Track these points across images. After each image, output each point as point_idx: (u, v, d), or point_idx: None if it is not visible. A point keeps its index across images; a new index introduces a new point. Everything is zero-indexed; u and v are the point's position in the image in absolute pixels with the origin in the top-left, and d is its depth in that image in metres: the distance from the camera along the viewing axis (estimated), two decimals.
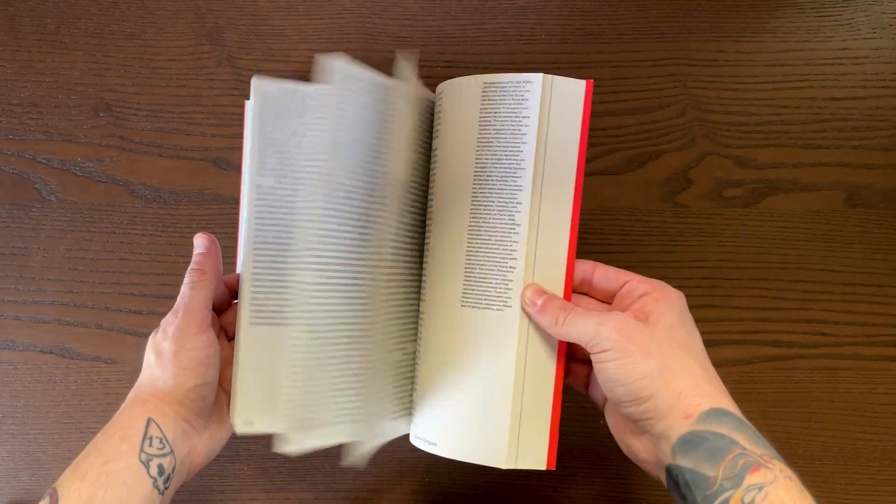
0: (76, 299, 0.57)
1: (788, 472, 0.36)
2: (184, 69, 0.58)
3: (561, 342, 0.45)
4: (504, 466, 0.44)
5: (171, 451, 0.42)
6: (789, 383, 0.57)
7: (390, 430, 0.47)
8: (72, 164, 0.57)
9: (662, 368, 0.40)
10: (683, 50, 0.58)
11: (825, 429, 0.57)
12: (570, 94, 0.44)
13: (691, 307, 0.56)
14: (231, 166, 0.57)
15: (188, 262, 0.57)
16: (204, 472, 0.56)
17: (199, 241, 0.47)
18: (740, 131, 0.58)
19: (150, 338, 0.45)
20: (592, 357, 0.42)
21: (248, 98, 0.57)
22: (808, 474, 0.56)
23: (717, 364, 0.56)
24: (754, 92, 0.58)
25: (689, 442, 0.38)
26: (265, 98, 0.44)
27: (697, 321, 0.56)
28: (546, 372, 0.45)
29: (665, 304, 0.43)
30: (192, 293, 0.44)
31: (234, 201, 0.57)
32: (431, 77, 0.58)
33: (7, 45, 0.58)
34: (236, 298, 0.47)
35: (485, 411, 0.45)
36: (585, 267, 0.45)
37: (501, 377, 0.44)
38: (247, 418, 0.45)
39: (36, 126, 0.57)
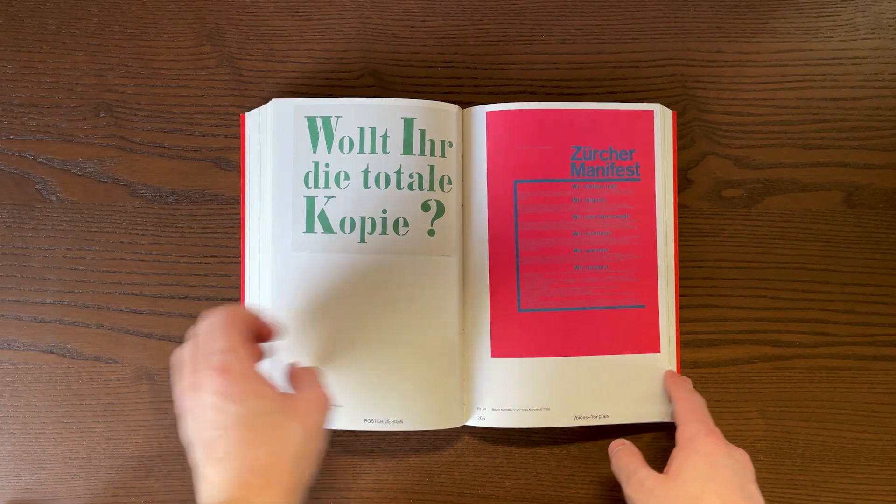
0: (77, 299, 0.57)
1: None
2: (184, 69, 0.58)
3: None
4: None
5: None
6: (789, 383, 0.57)
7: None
8: (72, 164, 0.57)
9: None
10: (683, 50, 0.58)
11: (824, 428, 0.57)
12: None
13: (691, 306, 0.57)
14: (231, 166, 0.57)
15: (189, 262, 0.57)
16: None
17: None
18: (739, 131, 0.58)
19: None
20: None
21: (248, 99, 0.57)
22: (808, 474, 0.56)
23: (717, 364, 0.57)
24: (753, 92, 0.58)
25: None
26: None
27: (697, 321, 0.57)
28: None
29: (690, 453, 0.46)
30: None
31: (235, 201, 0.57)
32: (432, 77, 0.58)
33: (7, 45, 0.58)
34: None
35: None
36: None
37: None
38: None
39: (37, 126, 0.57)
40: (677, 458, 0.47)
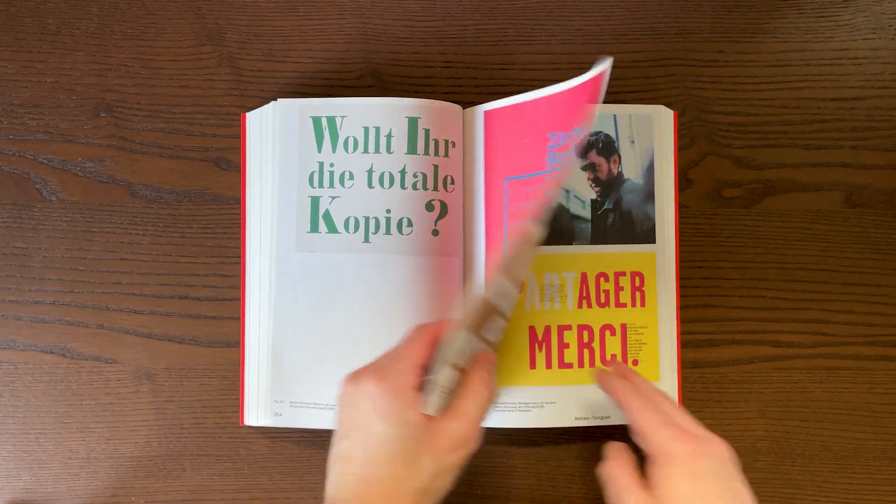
0: (77, 299, 0.57)
1: None
2: (184, 69, 0.58)
3: None
4: None
5: None
6: (789, 383, 0.57)
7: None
8: (72, 164, 0.57)
9: None
10: (683, 50, 0.58)
11: (824, 428, 0.57)
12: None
13: (692, 306, 0.57)
14: (231, 166, 0.57)
15: (189, 263, 0.57)
16: (204, 471, 0.56)
17: None
18: (740, 131, 0.58)
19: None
20: None
21: (248, 99, 0.57)
22: (808, 474, 0.57)
23: (717, 364, 0.57)
24: (754, 92, 0.58)
25: None
26: None
27: (697, 321, 0.57)
28: None
29: (667, 469, 0.42)
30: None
31: (235, 201, 0.57)
32: (432, 77, 0.58)
33: (8, 45, 0.58)
34: None
35: None
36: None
37: None
38: None
39: (37, 126, 0.57)
40: (654, 475, 0.42)
